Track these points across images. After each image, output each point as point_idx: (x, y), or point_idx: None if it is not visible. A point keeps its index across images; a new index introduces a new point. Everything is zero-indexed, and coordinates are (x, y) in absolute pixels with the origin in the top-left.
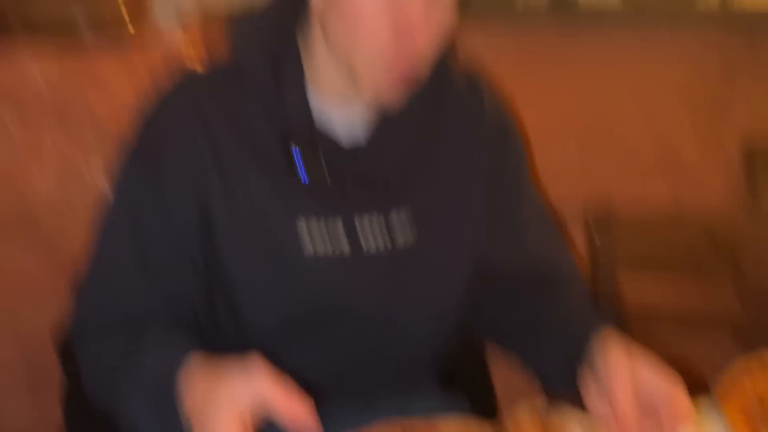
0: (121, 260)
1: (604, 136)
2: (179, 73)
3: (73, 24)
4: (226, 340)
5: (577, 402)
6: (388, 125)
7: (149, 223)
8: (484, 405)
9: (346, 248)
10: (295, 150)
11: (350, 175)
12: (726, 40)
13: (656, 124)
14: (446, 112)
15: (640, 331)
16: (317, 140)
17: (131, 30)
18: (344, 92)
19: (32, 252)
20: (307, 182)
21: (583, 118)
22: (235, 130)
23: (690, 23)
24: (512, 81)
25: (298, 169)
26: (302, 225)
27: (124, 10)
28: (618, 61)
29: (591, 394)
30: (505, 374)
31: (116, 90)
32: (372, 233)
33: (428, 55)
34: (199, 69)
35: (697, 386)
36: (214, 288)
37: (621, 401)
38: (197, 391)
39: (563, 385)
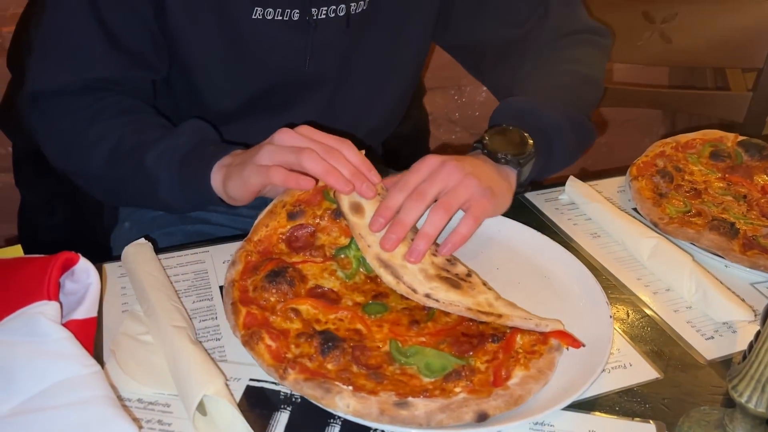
0: (78, 25)
1: None
2: None
3: None
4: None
5: None
6: None
7: None
8: None
9: (295, 16)
10: None
11: None
12: None
13: None
14: None
15: None
16: None
17: None
18: None
19: None
20: None
21: None
22: None
23: None
24: None
25: None
26: (257, 12)
27: None
28: None
29: None
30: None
31: None
32: (327, 12)
33: None
34: None
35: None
36: (173, 73)
37: (390, 192)
38: (234, 158)
39: None
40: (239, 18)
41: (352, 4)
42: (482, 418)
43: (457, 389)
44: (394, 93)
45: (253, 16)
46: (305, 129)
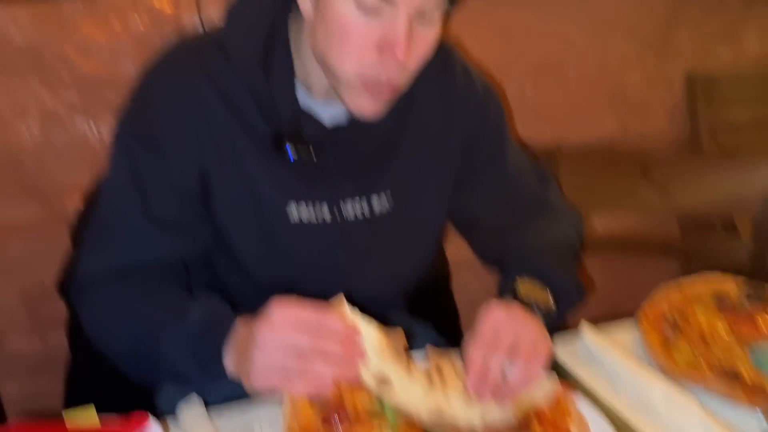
0: (128, 217)
1: (556, 73)
2: (172, 42)
3: None
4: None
5: None
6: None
7: (153, 185)
8: (450, 332)
9: (328, 217)
10: (287, 145)
11: (333, 155)
12: None
13: (605, 59)
14: (420, 90)
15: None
16: (303, 124)
17: None
18: (329, 91)
19: (20, 198)
20: (293, 161)
21: (536, 55)
22: (227, 107)
23: None
24: (465, 21)
25: (288, 152)
26: (292, 207)
27: None
28: None
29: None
30: (469, 304)
31: (88, 34)
32: (353, 208)
33: (411, 71)
34: (184, 32)
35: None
36: (215, 247)
37: (473, 350)
38: (239, 341)
39: None
40: (277, 220)
41: (374, 197)
42: None
43: None
44: (417, 261)
45: (291, 221)
46: (285, 320)
